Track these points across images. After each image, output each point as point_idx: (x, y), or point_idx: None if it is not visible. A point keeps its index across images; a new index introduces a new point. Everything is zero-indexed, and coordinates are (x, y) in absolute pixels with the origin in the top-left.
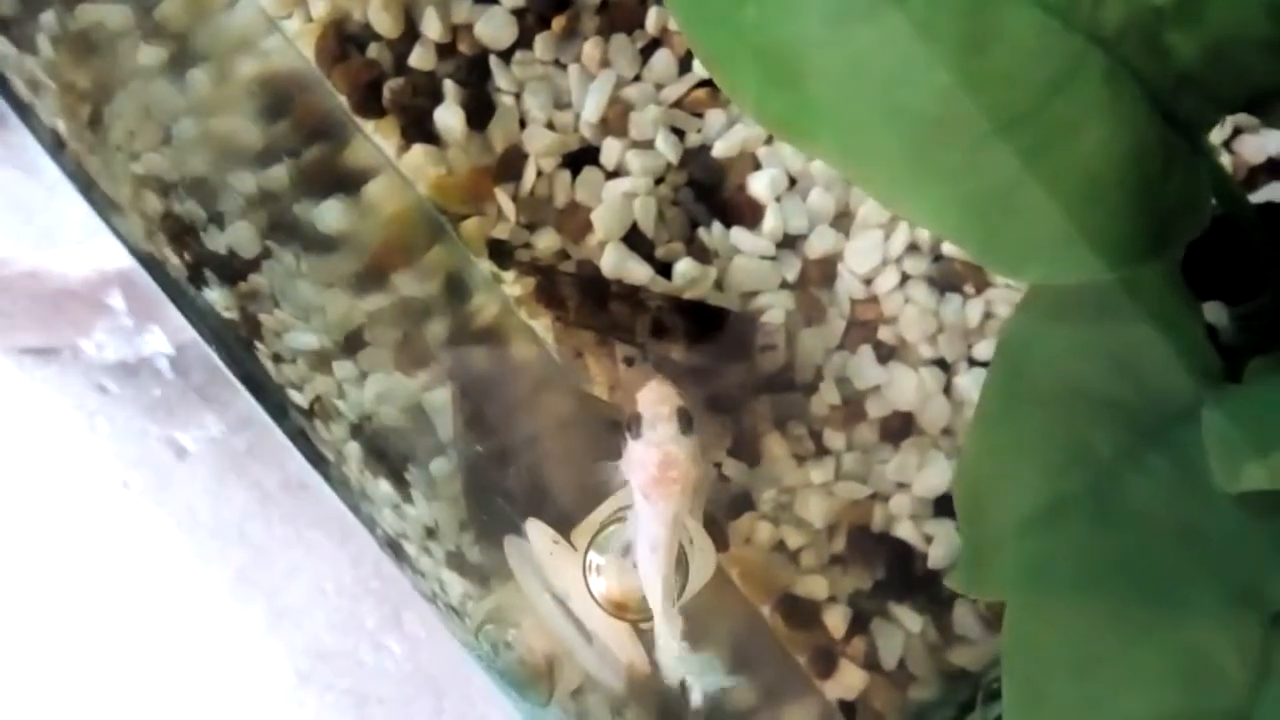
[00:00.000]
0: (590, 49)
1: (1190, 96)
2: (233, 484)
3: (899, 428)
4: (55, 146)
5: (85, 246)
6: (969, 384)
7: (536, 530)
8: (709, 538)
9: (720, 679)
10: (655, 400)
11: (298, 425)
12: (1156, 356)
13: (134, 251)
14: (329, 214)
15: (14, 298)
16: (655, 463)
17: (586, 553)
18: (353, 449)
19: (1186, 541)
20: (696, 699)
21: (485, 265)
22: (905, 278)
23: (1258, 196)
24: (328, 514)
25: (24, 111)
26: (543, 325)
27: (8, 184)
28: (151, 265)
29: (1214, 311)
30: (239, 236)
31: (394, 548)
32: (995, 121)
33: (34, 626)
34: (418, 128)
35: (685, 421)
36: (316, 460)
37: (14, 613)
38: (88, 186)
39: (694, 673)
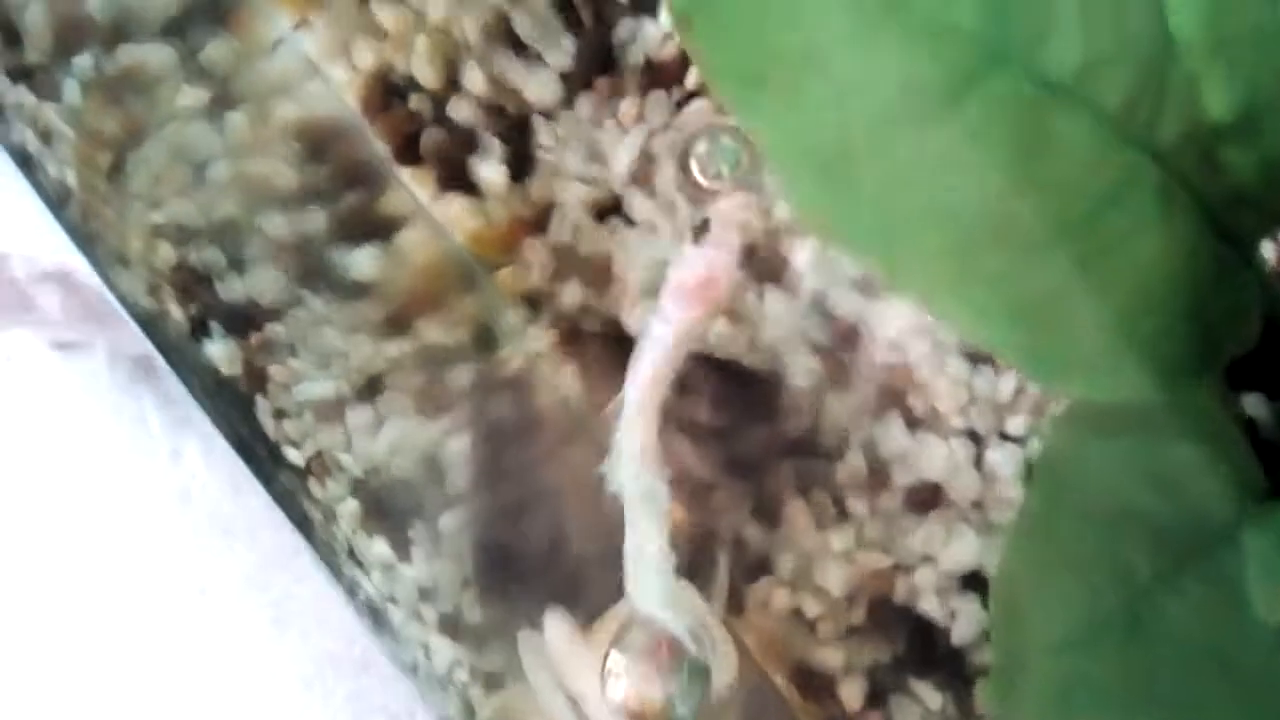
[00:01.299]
0: (628, 107)
1: (1244, 211)
2: (246, 487)
3: (926, 498)
4: (59, 199)
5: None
6: (1000, 459)
7: (555, 622)
8: (730, 640)
9: None
10: (730, 213)
11: (287, 486)
12: (1198, 474)
13: (131, 308)
14: (362, 260)
15: (40, 294)
16: (696, 275)
17: (607, 653)
18: (349, 507)
19: (1222, 671)
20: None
21: (515, 315)
22: (938, 346)
23: None
24: None
25: (28, 164)
26: (567, 376)
27: None
28: (149, 321)
29: (1255, 404)
30: (263, 282)
31: (375, 614)
32: (1047, 229)
33: (34, 620)
34: (456, 178)
35: (747, 255)
36: (300, 522)
37: (12, 604)
38: (90, 240)
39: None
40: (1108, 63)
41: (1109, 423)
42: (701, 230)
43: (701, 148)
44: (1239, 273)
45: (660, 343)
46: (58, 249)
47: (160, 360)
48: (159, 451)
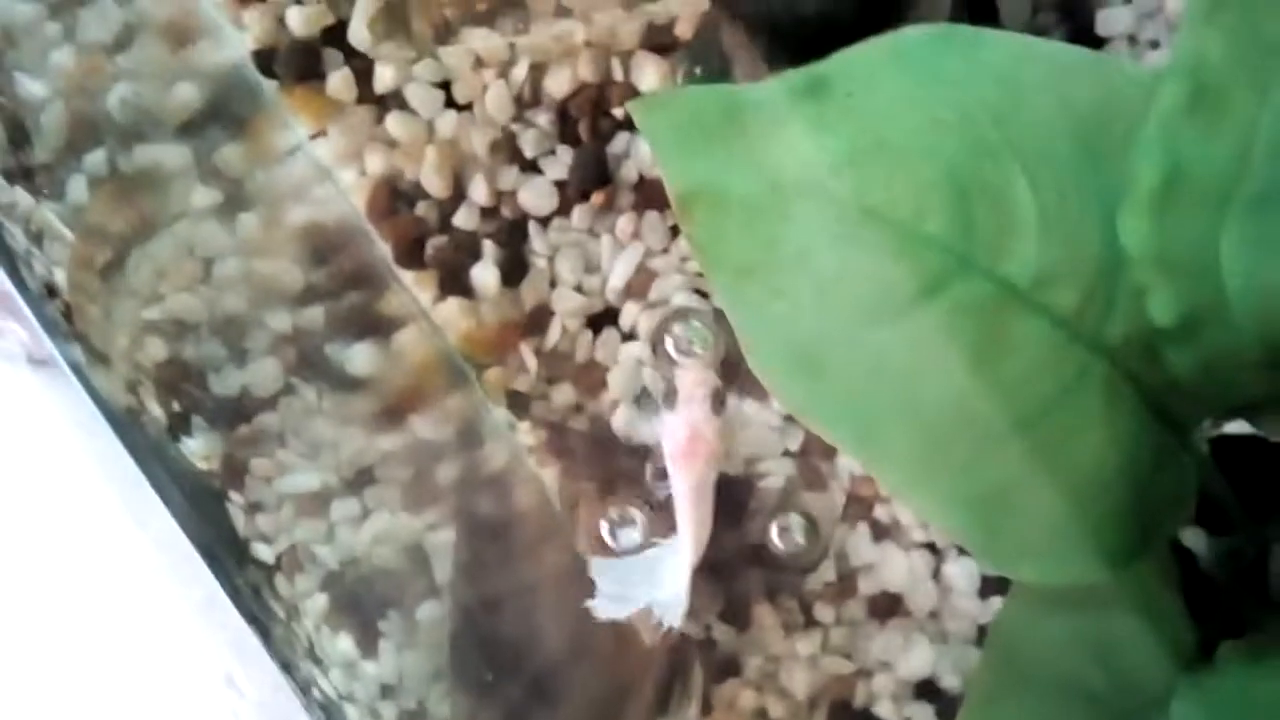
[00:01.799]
0: (624, 223)
1: (1183, 401)
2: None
3: (887, 607)
4: (43, 296)
5: None
6: (957, 572)
7: None
8: None
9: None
10: (693, 380)
11: (250, 584)
12: (1134, 645)
13: (105, 406)
14: (358, 356)
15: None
16: (684, 437)
17: None
18: (316, 603)
19: None
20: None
21: (502, 414)
22: None
23: None
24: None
25: (12, 261)
26: (550, 475)
27: None
28: (124, 419)
29: (1194, 539)
30: (260, 374)
31: (328, 712)
32: (1004, 424)
33: None
34: (455, 282)
35: (718, 402)
36: (258, 620)
37: None
38: (69, 338)
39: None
40: (1063, 272)
41: (1056, 597)
42: (670, 395)
43: (677, 328)
44: (1177, 458)
45: (685, 502)
46: None
47: None
48: (130, 471)
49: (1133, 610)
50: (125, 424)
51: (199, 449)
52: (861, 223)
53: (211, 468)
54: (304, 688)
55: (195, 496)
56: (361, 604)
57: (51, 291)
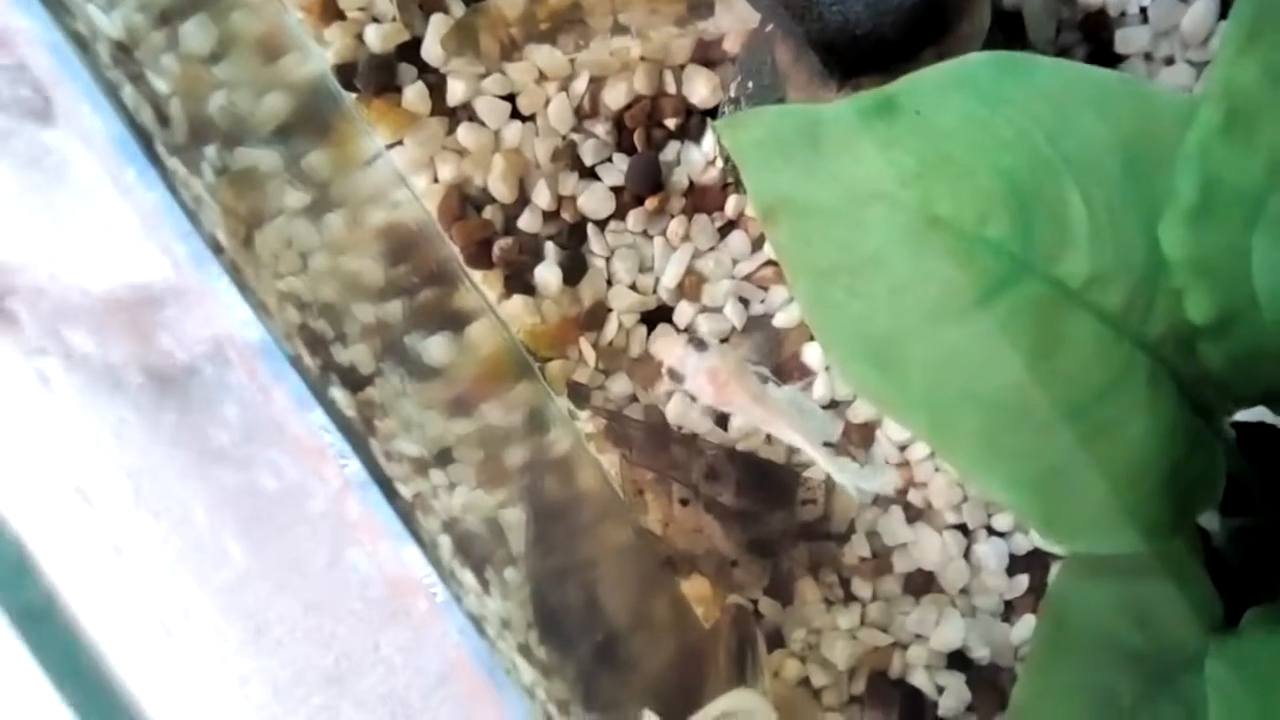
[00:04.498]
0: (675, 226)
1: (1214, 391)
2: (228, 496)
3: (921, 584)
4: (215, 248)
5: (110, 258)
6: (987, 551)
7: None
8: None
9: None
10: (665, 354)
11: (403, 510)
12: (1171, 609)
13: (279, 347)
14: (434, 347)
15: (28, 302)
16: (709, 386)
17: None
18: (444, 540)
19: None
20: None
21: (564, 403)
22: None
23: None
24: (315, 533)
25: (192, 216)
26: (609, 461)
27: (38, 187)
28: (292, 360)
29: (1208, 519)
30: (359, 356)
31: (475, 622)
32: (1058, 413)
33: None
34: (519, 280)
35: (696, 347)
36: (417, 537)
37: None
38: (239, 288)
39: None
40: (1111, 275)
41: (1102, 566)
42: (676, 383)
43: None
44: (1208, 442)
45: (769, 419)
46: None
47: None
48: (146, 461)
49: (1169, 579)
50: (295, 366)
51: (342, 399)
52: (929, 230)
53: (354, 415)
54: (456, 599)
55: (351, 436)
56: (469, 553)
57: (219, 247)
